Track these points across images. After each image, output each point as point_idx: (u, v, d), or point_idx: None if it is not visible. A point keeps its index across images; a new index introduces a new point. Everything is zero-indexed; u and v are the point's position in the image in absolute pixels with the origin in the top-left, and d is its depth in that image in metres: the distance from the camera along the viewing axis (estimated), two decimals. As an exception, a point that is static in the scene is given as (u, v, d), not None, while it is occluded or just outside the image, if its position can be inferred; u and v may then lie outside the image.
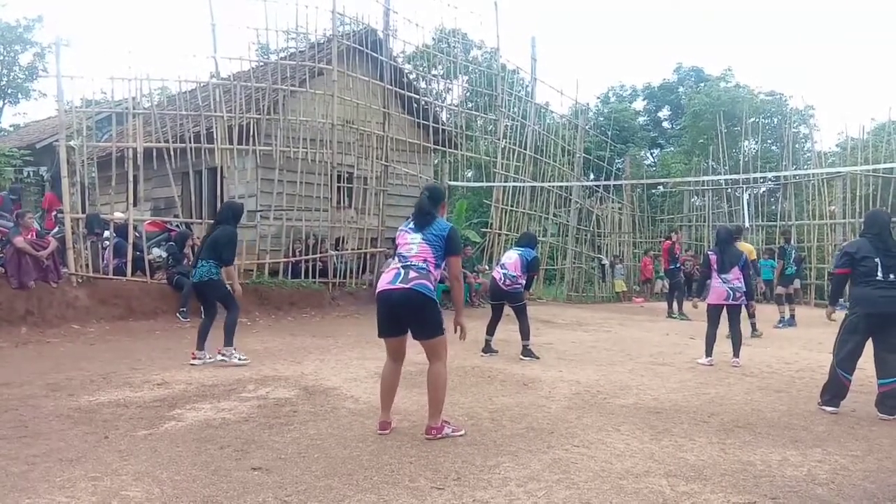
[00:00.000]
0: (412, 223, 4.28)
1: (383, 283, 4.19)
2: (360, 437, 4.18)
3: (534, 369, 6.70)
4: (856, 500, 3.28)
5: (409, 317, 4.13)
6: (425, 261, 4.12)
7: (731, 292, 7.25)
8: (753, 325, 9.80)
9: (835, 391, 5.19)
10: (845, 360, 5.13)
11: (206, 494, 3.19)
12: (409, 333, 4.23)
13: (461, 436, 4.21)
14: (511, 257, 7.59)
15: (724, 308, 7.31)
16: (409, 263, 4.12)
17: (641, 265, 19.40)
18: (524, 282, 7.58)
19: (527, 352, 7.44)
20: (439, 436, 4.15)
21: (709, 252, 7.71)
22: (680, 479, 3.50)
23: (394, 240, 4.42)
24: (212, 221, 11.27)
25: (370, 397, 5.28)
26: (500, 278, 7.51)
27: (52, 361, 6.79)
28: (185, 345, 7.97)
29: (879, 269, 5.04)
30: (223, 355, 6.75)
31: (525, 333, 7.49)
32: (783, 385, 6.06)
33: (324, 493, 3.24)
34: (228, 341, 6.83)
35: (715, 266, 7.32)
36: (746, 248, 9.38)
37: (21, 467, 3.56)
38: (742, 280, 7.31)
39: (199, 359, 6.75)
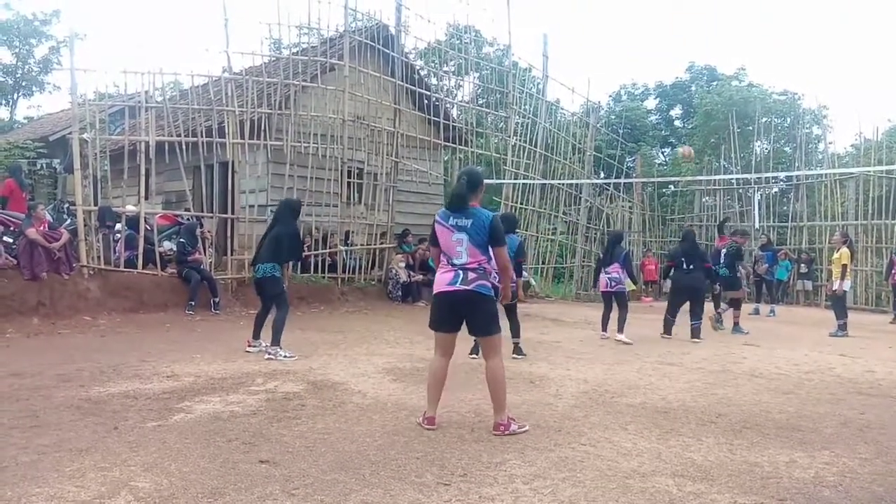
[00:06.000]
0: (450, 213, 4.25)
1: (442, 284, 4.24)
2: (367, 432, 4.20)
3: (541, 367, 6.69)
4: (863, 503, 3.27)
5: (469, 315, 4.25)
6: (478, 263, 4.19)
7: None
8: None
9: (668, 328, 9.34)
10: (670, 310, 9.44)
11: (213, 486, 3.22)
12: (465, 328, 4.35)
13: (525, 432, 4.22)
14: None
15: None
16: (465, 268, 4.17)
17: (641, 266, 18.53)
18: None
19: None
20: (507, 432, 4.13)
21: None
22: (687, 479, 3.49)
23: (432, 232, 4.37)
24: (222, 215, 11.50)
25: (378, 392, 5.30)
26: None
27: (63, 352, 6.85)
28: (194, 337, 8.03)
29: (684, 262, 9.27)
30: (270, 353, 6.82)
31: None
32: (792, 386, 6.03)
33: (330, 486, 3.25)
34: (276, 340, 6.89)
35: None
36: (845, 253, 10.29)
37: (31, 457, 3.59)
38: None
39: (255, 346, 7.14)
